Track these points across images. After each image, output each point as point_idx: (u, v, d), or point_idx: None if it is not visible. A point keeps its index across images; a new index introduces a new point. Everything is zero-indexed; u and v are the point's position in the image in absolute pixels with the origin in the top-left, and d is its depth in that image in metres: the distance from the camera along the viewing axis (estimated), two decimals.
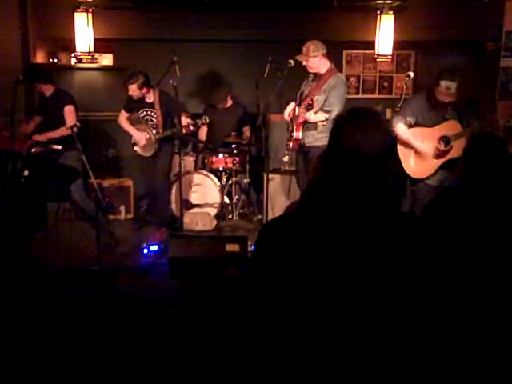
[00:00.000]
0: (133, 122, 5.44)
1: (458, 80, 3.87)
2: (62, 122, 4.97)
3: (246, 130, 6.27)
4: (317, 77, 4.67)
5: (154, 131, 5.28)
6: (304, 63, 4.60)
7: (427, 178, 4.04)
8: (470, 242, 2.09)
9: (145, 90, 5.21)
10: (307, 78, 4.80)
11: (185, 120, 5.26)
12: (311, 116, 4.53)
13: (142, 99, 5.29)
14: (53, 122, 5.06)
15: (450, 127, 3.94)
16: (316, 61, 4.58)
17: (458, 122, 3.96)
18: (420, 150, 4.01)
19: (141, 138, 5.35)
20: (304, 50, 4.56)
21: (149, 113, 5.34)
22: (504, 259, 2.07)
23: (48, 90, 5.12)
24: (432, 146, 4.00)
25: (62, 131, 4.94)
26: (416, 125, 4.08)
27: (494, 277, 2.05)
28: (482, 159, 2.26)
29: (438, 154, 3.99)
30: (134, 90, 5.18)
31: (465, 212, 2.16)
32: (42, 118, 5.27)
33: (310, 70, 4.66)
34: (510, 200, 2.18)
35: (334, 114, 4.45)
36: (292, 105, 4.79)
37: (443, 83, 3.87)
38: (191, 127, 5.33)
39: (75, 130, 4.64)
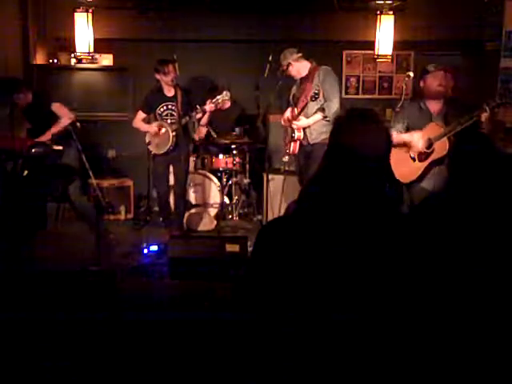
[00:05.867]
0: (150, 121, 5.31)
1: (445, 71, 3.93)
2: (55, 120, 4.86)
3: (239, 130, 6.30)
4: (303, 77, 4.76)
5: (173, 126, 5.07)
6: (288, 73, 4.74)
7: (418, 182, 4.05)
8: (460, 244, 2.08)
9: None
10: (297, 81, 4.86)
11: (209, 104, 5.08)
12: (309, 120, 4.59)
13: (161, 94, 5.15)
14: (44, 123, 4.91)
15: (432, 129, 3.96)
16: (295, 65, 4.70)
17: (444, 123, 3.98)
18: (410, 141, 4.00)
19: (155, 131, 5.15)
20: (282, 63, 4.71)
21: (169, 107, 5.15)
22: (497, 259, 2.06)
23: (29, 97, 4.92)
24: (417, 149, 4.02)
25: (62, 124, 4.83)
26: (407, 130, 4.10)
27: (490, 276, 2.05)
28: (466, 160, 2.25)
29: (422, 157, 4.01)
30: (173, 70, 5.03)
31: (452, 214, 2.15)
32: (31, 125, 5.04)
33: (296, 77, 4.79)
34: (496, 199, 2.17)
35: (334, 104, 4.53)
36: (289, 110, 4.84)
37: (430, 67, 3.91)
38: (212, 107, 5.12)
39: (72, 117, 4.67)
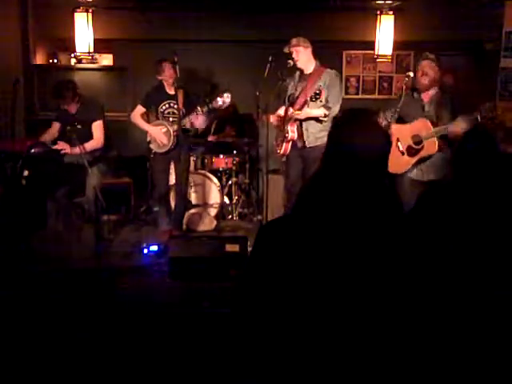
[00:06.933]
0: (149, 119, 5.24)
1: (439, 60, 3.99)
2: (90, 135, 4.84)
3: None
4: (304, 76, 4.67)
5: (175, 126, 4.97)
6: (294, 55, 4.58)
7: (405, 173, 4.07)
8: (463, 240, 2.08)
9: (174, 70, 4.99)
10: (293, 80, 4.76)
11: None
12: (311, 111, 4.54)
13: (163, 92, 5.09)
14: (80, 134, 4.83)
15: (421, 126, 3.97)
16: (306, 53, 4.59)
17: (435, 111, 3.99)
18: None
19: (157, 134, 5.06)
20: (294, 41, 4.58)
21: (171, 105, 5.07)
22: (498, 255, 2.06)
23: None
24: (406, 143, 4.04)
25: (92, 145, 4.81)
26: (397, 121, 4.11)
27: (491, 273, 2.05)
28: (470, 158, 2.25)
29: (411, 152, 4.03)
30: (169, 68, 4.93)
31: (456, 210, 2.15)
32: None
33: (299, 65, 4.62)
34: (500, 197, 2.17)
35: (335, 110, 4.49)
36: (282, 109, 4.74)
37: (424, 55, 4.02)
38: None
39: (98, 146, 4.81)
